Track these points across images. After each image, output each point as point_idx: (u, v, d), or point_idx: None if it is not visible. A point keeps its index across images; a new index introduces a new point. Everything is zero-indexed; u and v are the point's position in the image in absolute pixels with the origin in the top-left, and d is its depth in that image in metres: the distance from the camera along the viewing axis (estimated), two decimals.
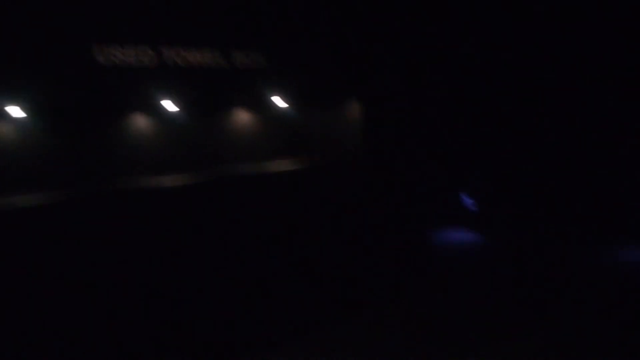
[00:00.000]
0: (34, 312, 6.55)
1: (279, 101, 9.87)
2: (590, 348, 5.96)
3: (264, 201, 8.86)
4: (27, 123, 7.56)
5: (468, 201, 11.88)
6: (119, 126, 8.50)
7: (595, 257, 9.04)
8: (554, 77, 10.57)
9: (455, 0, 11.04)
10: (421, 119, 11.29)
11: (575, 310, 6.99)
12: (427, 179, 11.43)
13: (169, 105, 8.63)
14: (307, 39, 9.62)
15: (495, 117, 11.43)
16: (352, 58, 10.10)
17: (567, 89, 10.43)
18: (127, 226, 7.42)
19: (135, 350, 6.83)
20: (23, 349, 6.42)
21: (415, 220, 10.69)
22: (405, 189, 10.83)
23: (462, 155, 11.97)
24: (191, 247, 7.91)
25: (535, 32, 10.50)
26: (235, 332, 7.19)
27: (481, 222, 11.45)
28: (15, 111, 7.27)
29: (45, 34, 7.00)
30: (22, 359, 6.42)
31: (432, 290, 8.15)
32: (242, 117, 9.94)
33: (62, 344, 6.61)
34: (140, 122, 8.69)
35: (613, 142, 9.95)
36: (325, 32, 9.85)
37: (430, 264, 9.55)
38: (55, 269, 6.76)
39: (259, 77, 9.16)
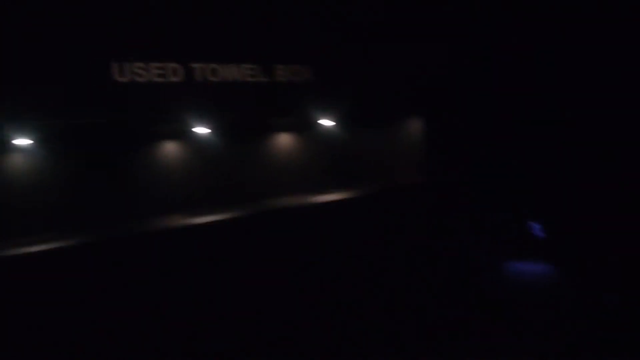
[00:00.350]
0: None
1: (328, 122, 8.51)
2: None
3: (315, 236, 7.58)
4: (36, 153, 6.44)
5: (535, 227, 10.37)
6: (143, 155, 7.30)
7: None
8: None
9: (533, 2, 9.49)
10: (490, 138, 9.75)
11: None
12: (495, 205, 9.95)
13: (202, 130, 7.41)
14: (359, 50, 8.26)
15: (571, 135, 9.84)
16: (412, 69, 8.66)
17: None
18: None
19: None
20: None
21: (482, 252, 9.22)
22: (472, 217, 9.37)
23: (532, 178, 10.41)
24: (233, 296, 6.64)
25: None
26: None
27: (551, 251, 9.89)
28: (23, 140, 6.17)
29: (57, 51, 5.87)
30: None
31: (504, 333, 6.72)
32: (287, 141, 8.63)
33: None
34: (169, 150, 7.48)
35: None
36: (378, 40, 8.47)
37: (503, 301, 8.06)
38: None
39: (306, 95, 7.83)
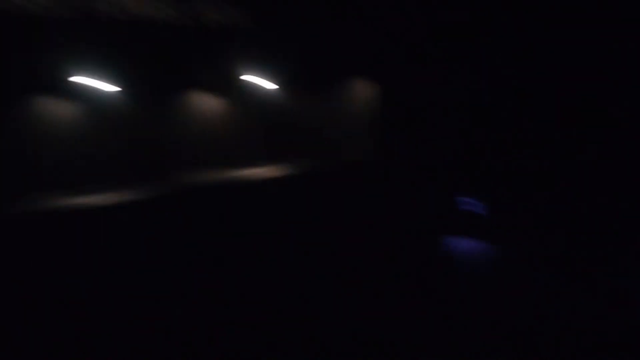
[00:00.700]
0: None
1: (265, 81, 6.99)
2: None
3: (240, 219, 6.20)
4: None
5: (477, 205, 10.02)
6: (11, 115, 5.39)
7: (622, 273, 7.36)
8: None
9: None
10: (442, 109, 8.80)
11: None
12: (439, 181, 9.29)
13: (96, 82, 5.60)
14: None
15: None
16: (366, 25, 7.25)
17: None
18: None
19: None
20: None
21: (421, 228, 8.63)
22: (414, 192, 8.49)
23: (474, 155, 9.89)
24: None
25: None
26: None
27: (492, 229, 9.64)
28: None
29: None
30: None
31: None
32: (213, 102, 7.00)
33: None
34: (49, 108, 5.60)
35: None
36: None
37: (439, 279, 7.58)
38: None
39: (237, 44, 6.26)
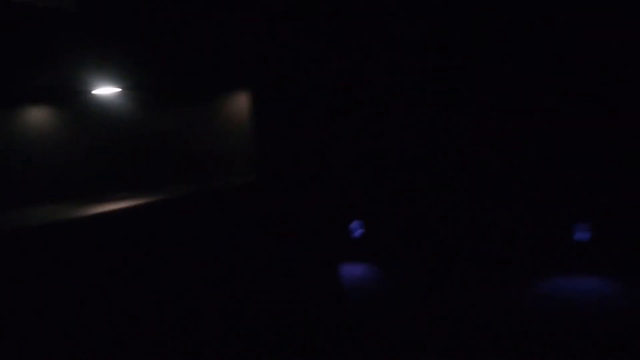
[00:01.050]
0: None
1: (109, 88, 5.59)
2: None
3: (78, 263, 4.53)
4: None
5: (354, 225, 9.47)
6: None
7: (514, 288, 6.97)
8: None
9: None
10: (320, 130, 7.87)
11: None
12: (328, 203, 8.38)
13: None
14: None
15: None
16: (243, 18, 6.13)
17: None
18: None
19: None
20: None
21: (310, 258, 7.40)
22: (302, 218, 7.33)
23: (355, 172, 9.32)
24: None
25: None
26: None
27: (372, 250, 9.28)
28: None
29: None
30: None
31: None
32: (39, 118, 5.48)
33: None
34: None
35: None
36: None
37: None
38: None
39: (67, 36, 4.92)
